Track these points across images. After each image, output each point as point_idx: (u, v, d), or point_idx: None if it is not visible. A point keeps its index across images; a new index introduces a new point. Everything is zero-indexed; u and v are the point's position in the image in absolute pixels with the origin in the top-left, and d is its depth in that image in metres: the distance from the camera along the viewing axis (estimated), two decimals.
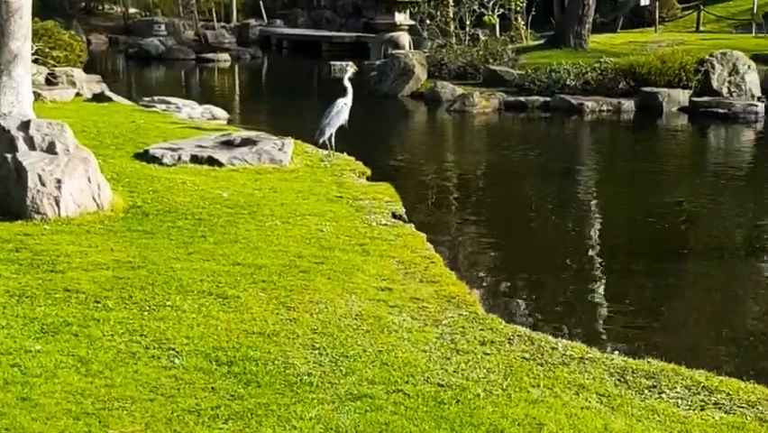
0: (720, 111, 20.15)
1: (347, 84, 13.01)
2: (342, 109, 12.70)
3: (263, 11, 52.28)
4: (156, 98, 18.79)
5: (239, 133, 13.73)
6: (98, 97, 18.75)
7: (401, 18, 31.47)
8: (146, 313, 6.19)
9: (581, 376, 5.43)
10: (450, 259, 8.36)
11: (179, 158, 11.97)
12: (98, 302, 6.37)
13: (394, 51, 26.70)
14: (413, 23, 31.58)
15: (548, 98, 21.60)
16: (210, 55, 38.95)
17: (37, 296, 6.43)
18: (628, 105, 20.90)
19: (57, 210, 8.72)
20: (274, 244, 8.07)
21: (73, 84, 19.96)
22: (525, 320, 7.26)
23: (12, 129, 9.07)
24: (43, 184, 8.72)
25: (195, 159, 12.03)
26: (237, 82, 33.81)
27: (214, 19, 49.96)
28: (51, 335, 5.74)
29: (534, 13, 31.81)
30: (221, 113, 18.68)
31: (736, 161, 17.01)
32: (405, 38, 31.16)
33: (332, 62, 33.73)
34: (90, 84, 21.19)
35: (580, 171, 15.92)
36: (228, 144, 12.89)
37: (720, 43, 26.17)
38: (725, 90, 20.89)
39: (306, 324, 6.13)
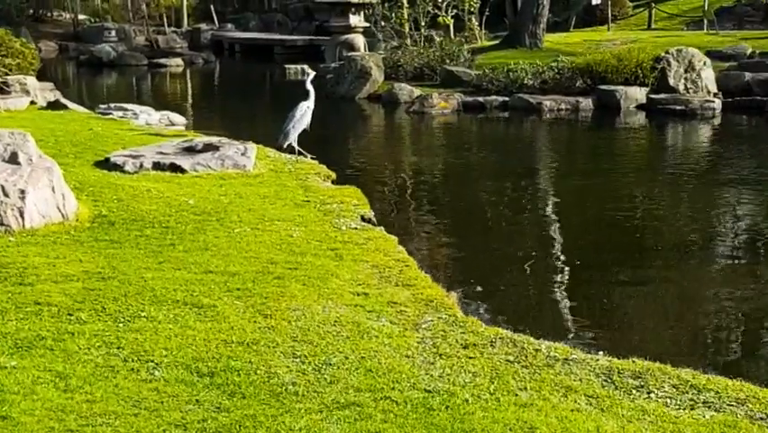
0: (678, 108, 20.27)
1: (309, 87, 12.96)
2: (305, 113, 12.65)
3: (214, 15, 52.01)
4: (112, 105, 18.57)
5: (200, 139, 13.56)
6: (53, 105, 18.48)
7: (356, 20, 31.42)
8: (121, 325, 6.06)
9: (568, 378, 5.39)
10: (423, 262, 8.28)
11: (141, 165, 11.80)
12: (71, 315, 6.23)
13: (350, 54, 26.62)
14: (367, 25, 31.54)
15: (506, 98, 21.62)
16: (162, 60, 38.63)
17: (7, 310, 6.28)
18: (586, 103, 20.97)
19: (21, 222, 8.54)
20: (245, 251, 7.97)
21: (26, 92, 19.64)
22: (505, 322, 7.19)
23: None
24: (6, 195, 8.54)
25: (157, 166, 11.86)
26: (191, 87, 33.55)
27: (165, 24, 49.58)
28: (26, 350, 5.60)
29: (487, 13, 31.88)
30: (179, 118, 18.50)
31: (694, 157, 17.11)
32: (359, 40, 31.11)
33: (286, 66, 33.66)
34: (44, 92, 20.86)
35: (540, 171, 15.94)
36: (190, 150, 12.74)
37: (673, 41, 26.40)
38: (681, 87, 21.02)
39: (285, 332, 6.03)
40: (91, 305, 6.43)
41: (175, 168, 11.85)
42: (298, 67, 33.36)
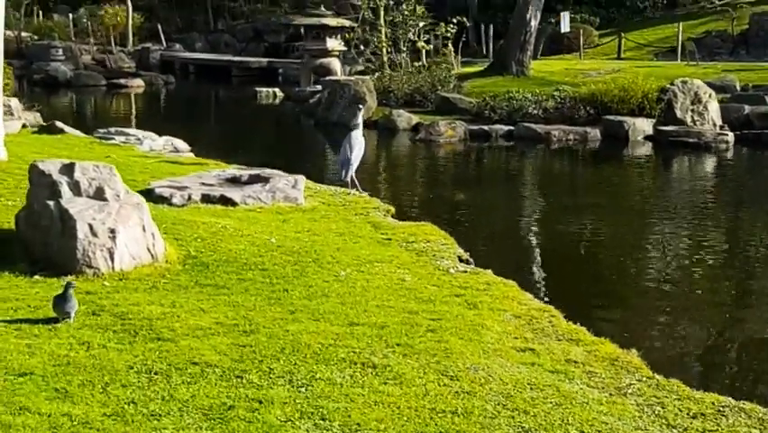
0: (690, 140, 20.02)
1: (359, 121, 12.48)
2: (362, 143, 12.11)
3: (162, 35, 50.94)
4: (112, 130, 17.75)
5: (230, 170, 12.94)
6: (48, 129, 17.64)
7: (333, 44, 30.83)
8: (303, 390, 5.44)
9: None
10: (563, 310, 7.70)
11: (189, 197, 11.15)
12: (240, 377, 5.59)
13: (332, 78, 26.05)
14: (344, 48, 31.00)
15: (511, 127, 21.21)
16: (122, 81, 37.63)
17: (167, 372, 5.61)
18: (594, 133, 20.67)
19: (111, 264, 7.84)
20: (370, 298, 7.38)
21: (11, 114, 18.72)
22: (707, 383, 6.63)
23: (53, 173, 8.15)
24: (95, 234, 7.83)
25: (206, 198, 11.22)
26: (167, 110, 32.59)
27: (113, 43, 48.35)
28: (220, 422, 4.96)
29: (464, 39, 31.59)
30: (182, 144, 17.73)
31: (720, 193, 16.80)
32: (336, 64, 30.54)
33: (257, 88, 32.93)
34: (25, 114, 19.96)
35: (602, 205, 15.41)
36: (235, 182, 12.12)
37: (656, 72, 26.29)
38: (689, 119, 20.81)
39: (487, 398, 5.47)
40: (254, 365, 5.79)
41: (225, 200, 11.21)
42: (269, 90, 32.75)
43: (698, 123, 20.74)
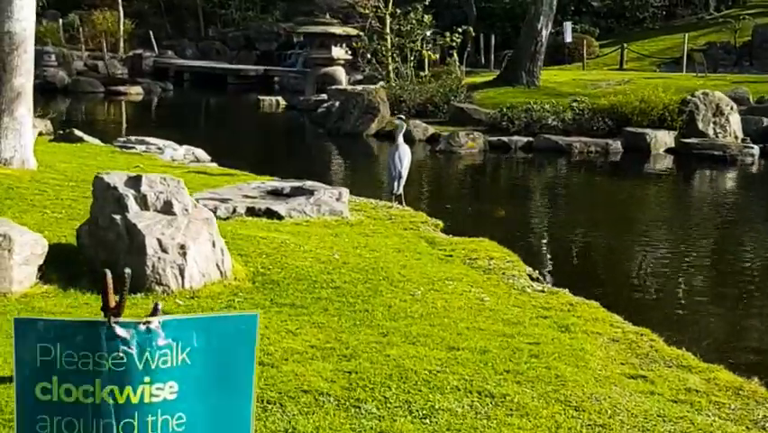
0: (716, 153, 19.76)
1: (400, 137, 12.24)
2: (410, 155, 11.88)
3: (154, 42, 50.50)
4: (132, 138, 17.40)
5: (271, 182, 12.63)
6: (67, 138, 17.28)
7: (338, 52, 30.52)
8: (426, 421, 5.15)
9: None
10: (660, 333, 7.40)
11: (234, 210, 10.85)
12: (358, 407, 5.28)
13: (348, 88, 25.75)
14: (350, 57, 30.71)
15: (530, 138, 20.95)
16: (121, 88, 37.23)
17: (278, 400, 5.30)
18: (615, 146, 20.43)
19: (181, 281, 7.53)
20: (455, 320, 7.08)
21: None
22: None
23: (119, 185, 7.83)
24: (164, 250, 7.52)
25: (251, 211, 10.91)
26: (172, 118, 32.11)
27: (105, 49, 47.83)
28: None
29: (469, 49, 31.37)
30: (202, 154, 17.42)
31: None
32: (341, 73, 30.25)
33: (260, 97, 32.62)
34: (36, 121, 19.55)
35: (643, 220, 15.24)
36: (276, 194, 11.83)
37: (668, 83, 26.03)
38: (711, 132, 20.60)
39: (621, 431, 5.17)
40: (366, 393, 5.48)
41: (271, 213, 10.91)
42: (272, 99, 32.43)
43: (720, 135, 20.54)
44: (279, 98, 32.13)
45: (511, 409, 5.38)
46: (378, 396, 5.46)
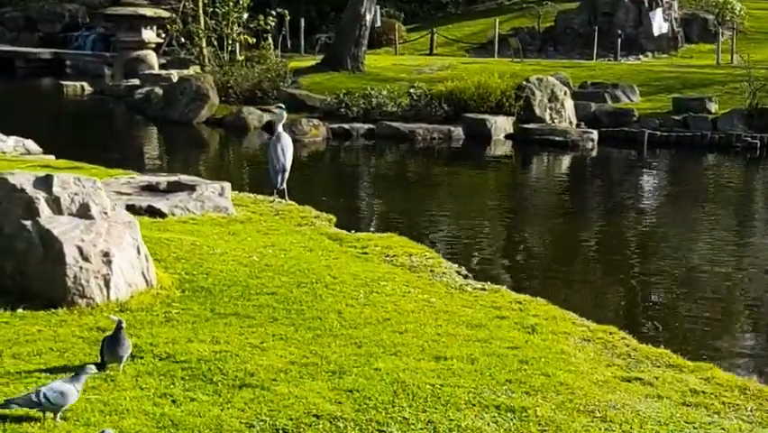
0: (557, 138, 19.91)
1: (281, 127, 11.61)
2: (291, 147, 11.33)
3: None
4: None
5: (143, 177, 11.82)
6: None
7: (149, 36, 29.26)
8: None
9: None
10: (623, 327, 7.17)
11: (112, 209, 9.96)
12: (382, 431, 4.81)
13: (166, 72, 24.71)
14: (161, 41, 29.50)
15: (371, 125, 20.58)
16: None
17: (293, 428, 4.79)
18: (457, 132, 20.31)
19: (106, 293, 6.79)
20: (419, 325, 6.67)
21: None
22: None
23: (26, 187, 6.96)
24: (86, 259, 6.75)
25: (131, 209, 10.04)
26: None
27: None
28: None
29: (284, 32, 30.76)
30: (33, 146, 16.14)
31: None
32: (152, 57, 29.02)
33: (62, 82, 30.87)
34: None
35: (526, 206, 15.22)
36: (152, 190, 11.02)
37: (486, 67, 25.99)
38: (547, 117, 20.79)
39: None
40: (382, 415, 5.05)
41: (153, 212, 10.16)
42: (76, 84, 30.76)
43: (556, 120, 20.79)
44: (85, 84, 30.44)
45: (540, 426, 5.02)
46: (396, 417, 5.01)
